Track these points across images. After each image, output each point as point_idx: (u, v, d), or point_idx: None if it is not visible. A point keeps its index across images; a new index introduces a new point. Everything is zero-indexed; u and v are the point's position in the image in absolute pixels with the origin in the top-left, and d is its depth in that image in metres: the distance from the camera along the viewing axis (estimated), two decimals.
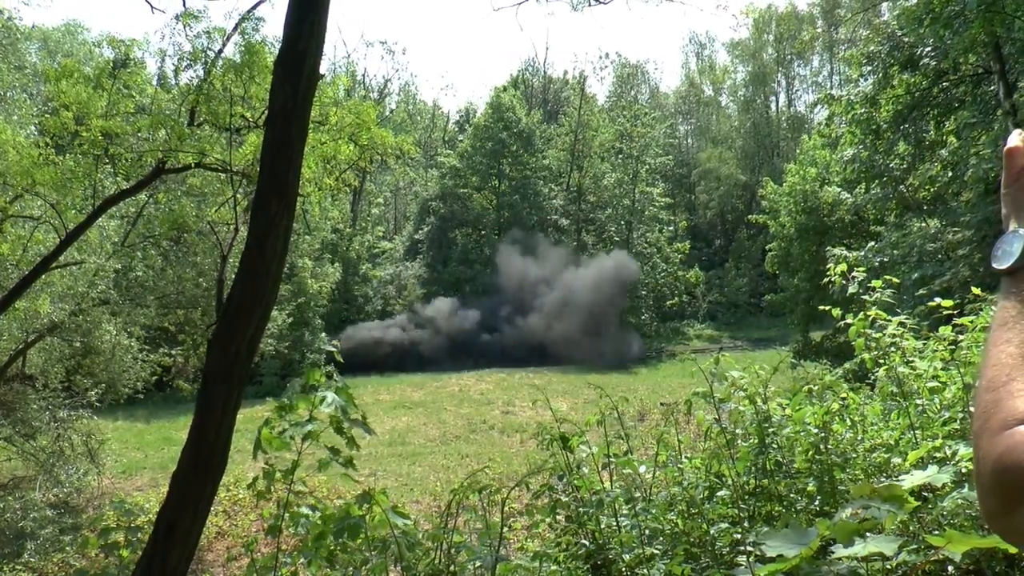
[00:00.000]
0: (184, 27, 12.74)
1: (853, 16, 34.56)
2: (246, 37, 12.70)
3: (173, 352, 23.56)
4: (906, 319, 4.61)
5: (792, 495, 3.98)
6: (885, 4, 23.30)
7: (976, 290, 4.93)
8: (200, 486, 5.16)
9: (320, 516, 3.26)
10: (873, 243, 20.15)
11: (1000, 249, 1.05)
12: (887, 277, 4.71)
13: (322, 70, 5.79)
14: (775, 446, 4.07)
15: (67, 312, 17.78)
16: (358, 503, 3.23)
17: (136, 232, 19.05)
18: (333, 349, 3.81)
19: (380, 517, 3.26)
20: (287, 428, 3.17)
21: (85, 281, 18.30)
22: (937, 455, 3.50)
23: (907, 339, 4.48)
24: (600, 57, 79.22)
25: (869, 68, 19.01)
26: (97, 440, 19.19)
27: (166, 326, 24.09)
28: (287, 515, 3.30)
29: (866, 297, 4.52)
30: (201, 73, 13.21)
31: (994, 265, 1.05)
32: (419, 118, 68.77)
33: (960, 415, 3.98)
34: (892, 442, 4.25)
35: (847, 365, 15.56)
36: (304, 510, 3.35)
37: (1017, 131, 1.12)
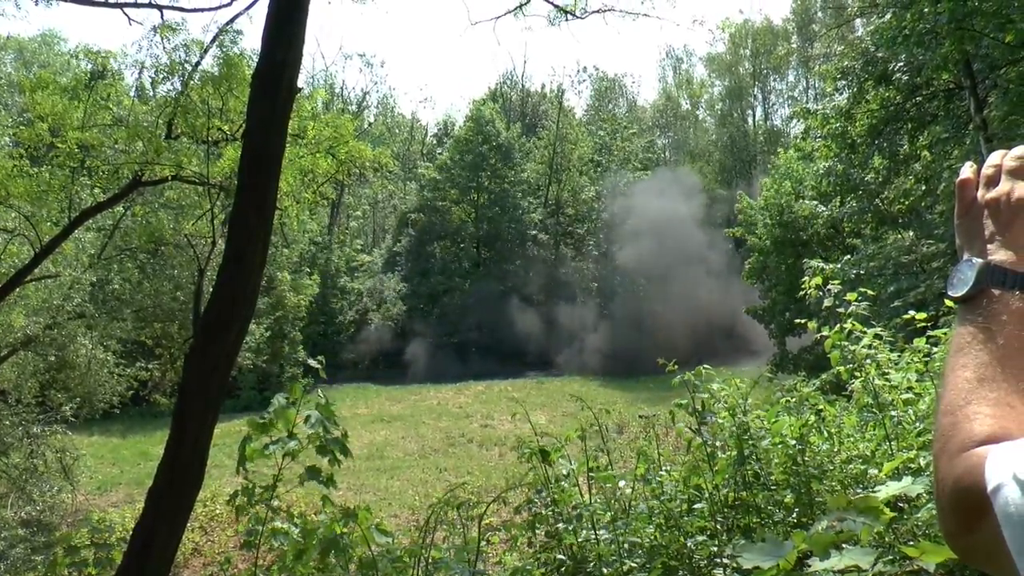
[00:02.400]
0: (162, 39, 12.69)
1: (828, 32, 34.91)
2: (224, 50, 12.66)
3: (150, 366, 23.33)
4: (881, 331, 4.65)
5: (770, 507, 3.99)
6: (859, 20, 23.56)
7: (950, 302, 4.97)
8: (176, 502, 5.11)
9: (300, 532, 3.24)
10: (849, 256, 20.32)
11: (955, 278, 1.08)
12: (862, 289, 4.76)
13: (300, 83, 5.79)
14: (754, 458, 4.09)
15: (42, 326, 17.59)
16: (341, 520, 3.21)
17: (113, 245, 18.88)
18: (317, 365, 3.79)
19: (360, 533, 3.24)
20: (269, 444, 3.15)
21: (60, 294, 18.12)
22: (912, 466, 3.53)
23: (882, 351, 4.52)
24: (578, 71, 79.44)
25: (844, 83, 19.20)
26: (72, 456, 18.96)
27: (143, 340, 23.89)
28: (265, 530, 3.27)
29: (841, 310, 4.56)
30: (179, 85, 13.14)
31: (949, 293, 1.08)
32: (397, 131, 68.67)
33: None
34: (868, 453, 4.28)
35: (824, 376, 15.69)
36: (280, 524, 3.33)
37: (968, 163, 1.16)
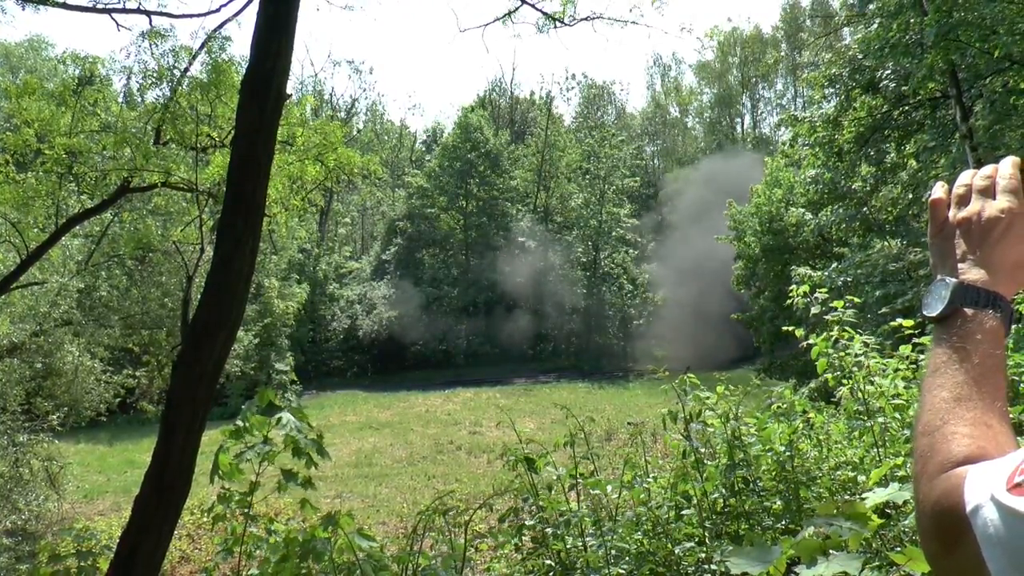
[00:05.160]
0: (150, 45, 12.65)
1: (816, 40, 35.13)
2: (213, 56, 12.62)
3: (137, 373, 23.25)
4: (869, 339, 4.66)
5: (758, 513, 4.00)
6: (846, 29, 23.72)
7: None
8: (163, 509, 5.08)
9: (283, 539, 3.23)
10: (836, 263, 20.41)
11: (929, 297, 1.09)
12: (849, 297, 4.77)
13: (288, 89, 5.78)
14: (744, 464, 4.10)
15: (28, 333, 17.49)
16: (323, 526, 3.20)
17: (100, 252, 18.79)
18: (286, 368, 3.79)
19: (345, 540, 3.22)
20: (243, 451, 3.13)
21: (47, 301, 18.02)
22: (899, 472, 3.54)
23: (872, 358, 4.54)
24: (566, 78, 79.59)
25: (832, 90, 19.32)
26: (58, 464, 18.82)
27: (130, 347, 23.79)
28: (245, 538, 3.26)
29: (829, 317, 4.57)
30: (167, 92, 13.10)
31: (924, 313, 1.09)
32: (386, 138, 68.60)
33: None
34: (856, 460, 4.29)
35: (812, 384, 15.74)
36: (257, 532, 3.31)
37: (940, 183, 1.18)
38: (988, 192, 1.10)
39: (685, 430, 4.18)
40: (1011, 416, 1.00)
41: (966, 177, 1.14)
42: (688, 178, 55.31)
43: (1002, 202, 1.08)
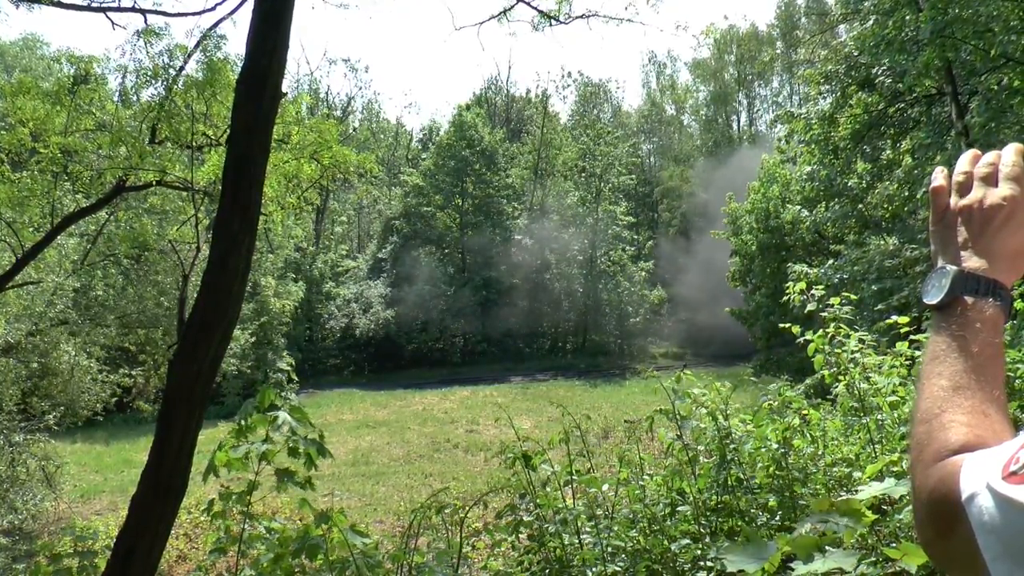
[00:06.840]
0: (145, 44, 12.62)
1: (811, 37, 35.15)
2: (208, 54, 12.60)
3: (134, 372, 23.24)
4: (865, 335, 4.67)
5: (753, 510, 4.01)
6: (842, 26, 23.74)
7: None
8: (160, 509, 5.07)
9: (277, 538, 3.22)
10: (833, 260, 20.44)
11: (929, 285, 1.09)
12: (846, 294, 4.78)
13: (284, 88, 5.77)
14: (736, 462, 4.10)
15: (23, 332, 17.45)
16: (316, 523, 3.20)
17: (96, 251, 18.76)
18: (288, 367, 3.78)
19: (339, 537, 3.22)
20: (243, 449, 3.13)
21: (43, 300, 17.99)
22: (895, 468, 3.55)
23: (867, 355, 4.54)
24: (562, 76, 79.53)
25: (827, 87, 19.33)
26: (54, 464, 18.79)
27: (127, 346, 23.79)
28: (242, 536, 3.25)
29: (825, 314, 4.57)
30: (162, 90, 13.07)
31: (924, 300, 1.09)
32: (382, 136, 68.54)
33: None
34: (852, 456, 4.30)
35: (808, 381, 15.76)
36: (252, 530, 3.31)
37: (941, 169, 1.17)
38: (990, 180, 1.10)
39: (677, 428, 4.18)
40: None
41: (966, 164, 1.13)
42: (686, 176, 55.50)
43: (1004, 190, 1.08)
